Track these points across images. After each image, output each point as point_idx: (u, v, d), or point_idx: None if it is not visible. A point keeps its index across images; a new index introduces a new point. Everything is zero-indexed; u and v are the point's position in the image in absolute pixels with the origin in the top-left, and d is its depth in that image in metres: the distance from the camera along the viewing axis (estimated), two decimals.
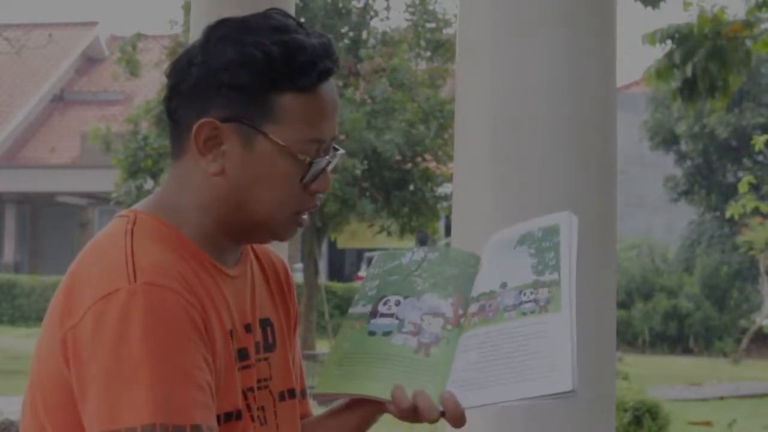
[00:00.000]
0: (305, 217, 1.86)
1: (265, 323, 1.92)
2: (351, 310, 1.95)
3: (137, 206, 1.86)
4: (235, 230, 1.84)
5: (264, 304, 1.93)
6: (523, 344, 1.76)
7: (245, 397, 1.83)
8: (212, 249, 1.83)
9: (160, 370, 1.67)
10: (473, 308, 1.85)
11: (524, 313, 1.79)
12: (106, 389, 1.67)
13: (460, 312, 1.86)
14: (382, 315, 1.90)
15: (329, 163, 1.84)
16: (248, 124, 1.79)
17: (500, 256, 1.89)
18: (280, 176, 1.80)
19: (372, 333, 1.89)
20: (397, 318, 1.89)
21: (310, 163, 1.80)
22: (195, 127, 1.79)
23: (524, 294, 1.81)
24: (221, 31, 1.82)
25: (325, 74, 1.81)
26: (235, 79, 1.78)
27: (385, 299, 1.92)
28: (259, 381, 1.87)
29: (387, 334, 1.87)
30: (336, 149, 1.87)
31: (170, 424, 1.65)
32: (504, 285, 1.84)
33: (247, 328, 1.86)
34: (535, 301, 1.79)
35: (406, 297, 1.90)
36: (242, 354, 1.84)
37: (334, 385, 1.89)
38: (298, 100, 1.79)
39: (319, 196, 1.85)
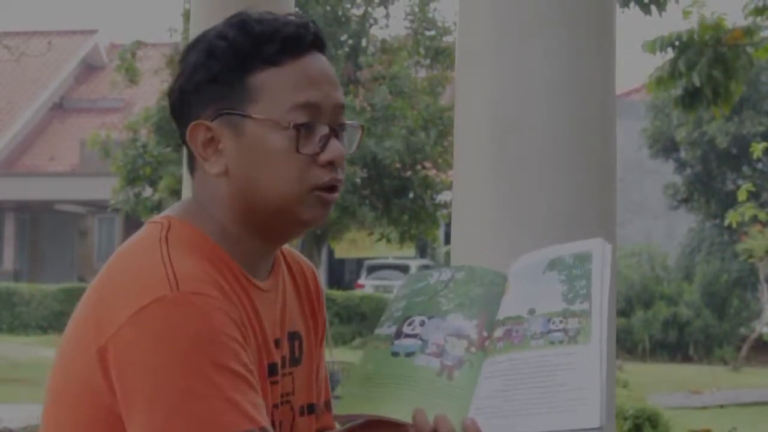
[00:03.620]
0: (330, 195, 1.79)
1: (294, 336, 1.90)
2: (377, 332, 1.90)
3: (168, 212, 1.83)
4: (260, 228, 1.80)
5: (294, 316, 1.91)
6: (551, 375, 1.71)
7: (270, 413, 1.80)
8: (245, 258, 1.80)
9: (216, 378, 1.63)
10: (499, 332, 1.80)
11: (552, 343, 1.73)
12: (157, 405, 1.62)
13: (485, 334, 1.81)
14: (407, 336, 1.84)
15: (333, 130, 1.79)
16: (231, 111, 1.77)
17: (528, 280, 1.83)
18: (274, 152, 1.76)
19: (395, 354, 1.84)
20: (421, 339, 1.83)
21: (297, 128, 1.76)
22: (188, 134, 1.79)
23: (553, 323, 1.75)
24: (192, 42, 1.84)
25: (294, 41, 1.78)
26: (208, 73, 1.78)
27: (410, 320, 1.86)
28: (282, 396, 1.85)
29: (410, 354, 1.82)
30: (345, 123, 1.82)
31: (241, 431, 1.63)
32: (532, 311, 1.78)
33: (276, 343, 1.84)
34: (564, 330, 1.74)
35: (430, 317, 1.85)
36: (271, 369, 1.81)
37: (354, 405, 1.84)
38: (272, 74, 1.77)
39: (336, 169, 1.79)
